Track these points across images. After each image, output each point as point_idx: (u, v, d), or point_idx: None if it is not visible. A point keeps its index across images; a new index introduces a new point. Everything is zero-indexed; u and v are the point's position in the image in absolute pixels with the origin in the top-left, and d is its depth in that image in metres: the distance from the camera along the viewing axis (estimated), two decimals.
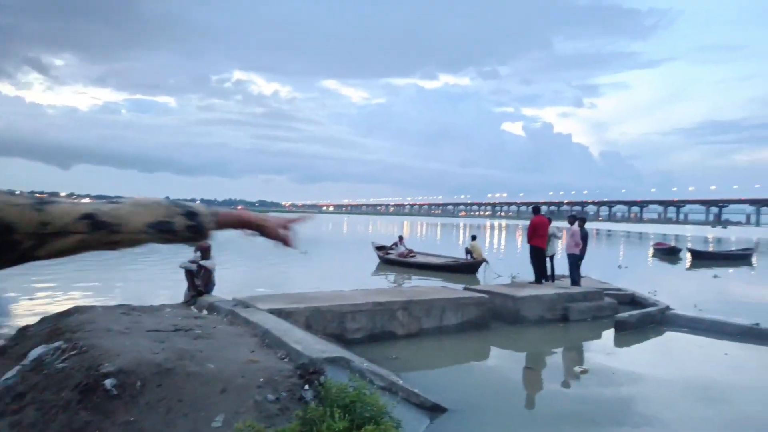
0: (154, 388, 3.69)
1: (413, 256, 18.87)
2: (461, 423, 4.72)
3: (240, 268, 16.81)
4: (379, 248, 20.42)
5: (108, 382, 3.51)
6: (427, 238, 44.11)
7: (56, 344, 4.17)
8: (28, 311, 8.91)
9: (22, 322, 6.70)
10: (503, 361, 7.44)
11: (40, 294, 10.90)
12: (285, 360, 4.64)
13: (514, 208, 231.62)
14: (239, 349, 4.98)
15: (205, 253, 9.40)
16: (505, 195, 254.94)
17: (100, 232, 0.99)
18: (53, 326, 4.97)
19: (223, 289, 8.97)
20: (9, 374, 3.76)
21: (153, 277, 14.36)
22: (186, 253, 9.89)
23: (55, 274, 13.92)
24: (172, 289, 10.42)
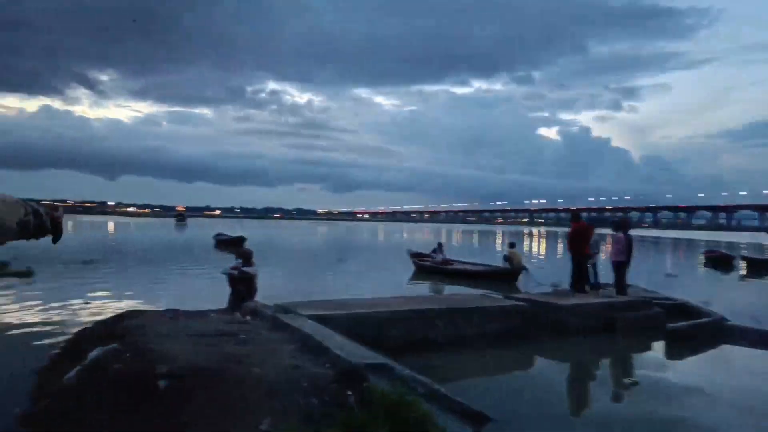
0: (204, 391, 3.78)
1: (450, 265, 18.75)
2: None
3: (279, 274, 17.06)
4: (415, 255, 20.36)
5: (161, 384, 3.62)
6: (464, 245, 43.77)
7: (112, 346, 4.33)
8: (85, 315, 9.28)
9: (81, 325, 7.01)
10: (547, 371, 7.30)
11: (95, 299, 11.34)
12: (327, 366, 4.68)
13: (553, 214, 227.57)
14: (282, 354, 5.05)
15: (247, 259, 9.60)
16: (543, 201, 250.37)
17: None
18: (108, 329, 5.16)
19: (264, 295, 9.12)
20: (70, 374, 3.94)
21: (197, 283, 14.73)
22: (228, 259, 10.10)
23: (104, 281, 14.46)
24: (216, 294, 10.66)
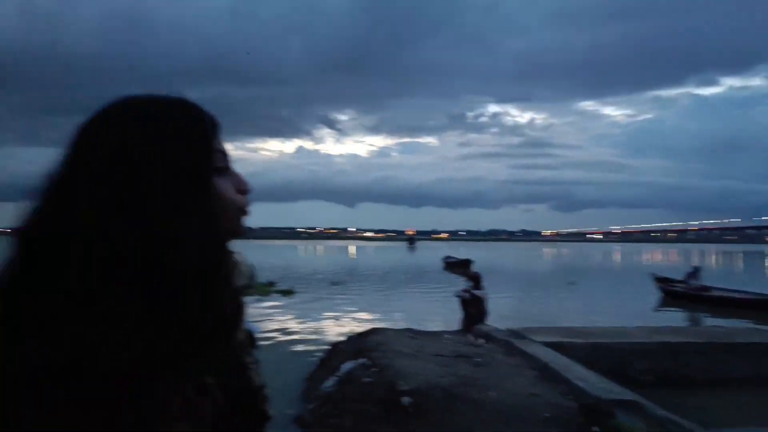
0: (442, 410, 3.92)
1: (707, 291, 16.20)
2: None
3: (507, 297, 16.87)
4: (662, 280, 18.14)
5: (405, 400, 3.88)
6: (723, 269, 37.41)
7: (361, 361, 4.81)
8: (335, 330, 10.54)
9: (333, 339, 7.99)
10: None
11: (343, 316, 12.79)
12: (568, 397, 4.43)
13: None
14: (518, 380, 4.96)
15: (477, 282, 9.74)
16: None
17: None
18: (356, 344, 5.75)
19: (494, 318, 9.11)
20: (328, 383, 4.50)
21: (428, 304, 15.45)
22: (457, 281, 10.40)
23: (350, 300, 16.19)
24: (446, 315, 11.05)
